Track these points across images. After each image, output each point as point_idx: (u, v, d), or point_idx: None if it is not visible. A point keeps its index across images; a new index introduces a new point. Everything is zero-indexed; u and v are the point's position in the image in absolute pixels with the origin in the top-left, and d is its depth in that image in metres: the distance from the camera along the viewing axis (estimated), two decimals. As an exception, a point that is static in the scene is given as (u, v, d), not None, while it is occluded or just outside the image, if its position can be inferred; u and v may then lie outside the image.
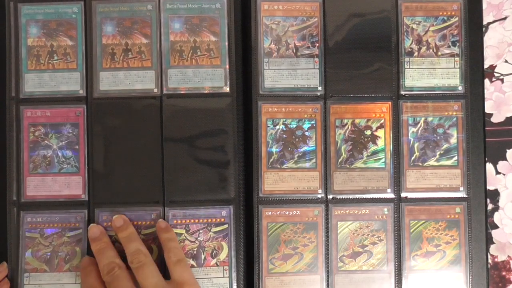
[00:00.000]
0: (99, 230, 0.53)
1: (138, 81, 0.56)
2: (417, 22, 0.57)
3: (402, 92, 0.56)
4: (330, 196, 0.56)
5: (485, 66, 0.59)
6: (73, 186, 0.55)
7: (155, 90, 0.56)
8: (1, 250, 0.55)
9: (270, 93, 0.56)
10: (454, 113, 0.56)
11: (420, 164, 0.56)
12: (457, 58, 0.57)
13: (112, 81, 0.56)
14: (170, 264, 0.51)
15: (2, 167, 0.55)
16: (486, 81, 0.60)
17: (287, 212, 0.56)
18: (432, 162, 0.56)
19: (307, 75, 0.56)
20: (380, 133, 0.56)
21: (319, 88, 0.56)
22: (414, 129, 0.56)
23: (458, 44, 0.57)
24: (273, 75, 0.56)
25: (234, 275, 0.55)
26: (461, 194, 0.56)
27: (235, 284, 0.55)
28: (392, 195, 0.56)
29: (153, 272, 0.49)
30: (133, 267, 0.49)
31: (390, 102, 0.56)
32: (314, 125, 0.56)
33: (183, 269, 0.50)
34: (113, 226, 0.53)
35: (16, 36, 0.56)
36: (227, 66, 0.56)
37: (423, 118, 0.56)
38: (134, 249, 0.50)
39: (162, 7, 0.56)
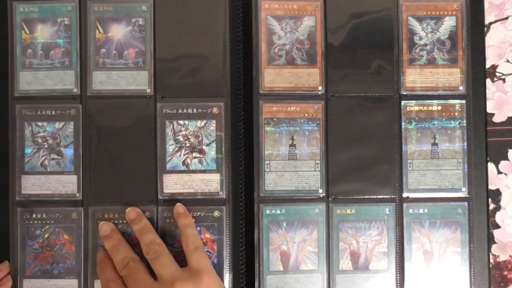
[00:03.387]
0: (110, 227, 0.53)
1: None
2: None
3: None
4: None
5: (487, 66, 0.59)
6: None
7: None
8: (3, 248, 0.55)
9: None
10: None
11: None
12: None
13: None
14: (188, 251, 0.51)
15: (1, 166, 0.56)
16: (488, 81, 0.60)
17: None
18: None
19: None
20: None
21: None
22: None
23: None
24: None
25: (228, 275, 0.55)
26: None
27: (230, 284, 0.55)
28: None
29: (169, 261, 0.49)
30: (148, 258, 0.50)
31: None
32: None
33: (201, 256, 0.51)
34: (126, 218, 0.54)
35: (11, 35, 0.56)
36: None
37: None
38: (149, 240, 0.51)
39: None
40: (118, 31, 0.56)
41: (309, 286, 0.55)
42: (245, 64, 0.57)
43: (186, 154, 0.56)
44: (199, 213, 0.55)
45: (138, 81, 0.56)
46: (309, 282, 0.55)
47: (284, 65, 0.56)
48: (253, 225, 0.55)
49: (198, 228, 0.55)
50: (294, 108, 0.56)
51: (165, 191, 0.55)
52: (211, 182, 0.56)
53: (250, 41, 0.56)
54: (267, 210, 0.55)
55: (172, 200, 0.55)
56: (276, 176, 0.56)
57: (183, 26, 0.56)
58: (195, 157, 0.56)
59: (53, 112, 0.56)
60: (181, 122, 0.56)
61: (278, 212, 0.55)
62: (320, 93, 0.56)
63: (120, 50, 0.56)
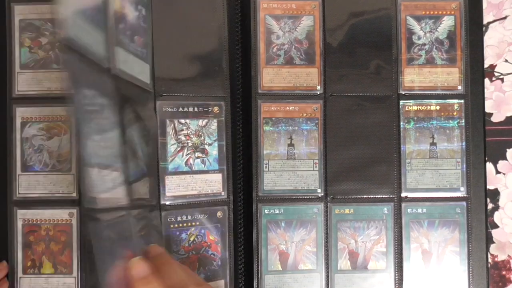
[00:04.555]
0: (145, 269, 0.41)
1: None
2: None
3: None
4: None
5: (485, 66, 0.59)
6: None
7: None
8: (1, 248, 0.55)
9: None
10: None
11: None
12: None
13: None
14: None
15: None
16: (486, 80, 0.60)
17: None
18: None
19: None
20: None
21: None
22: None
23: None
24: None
25: (228, 275, 0.55)
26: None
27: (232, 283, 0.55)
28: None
29: None
30: None
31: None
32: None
33: None
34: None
35: (10, 36, 0.56)
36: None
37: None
38: None
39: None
40: (131, 11, 0.54)
41: (308, 285, 0.55)
42: (244, 63, 0.57)
43: (188, 154, 0.55)
44: (203, 215, 0.55)
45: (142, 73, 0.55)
46: (307, 281, 0.55)
47: (283, 64, 0.56)
48: (252, 224, 0.55)
49: (203, 231, 0.55)
50: (293, 107, 0.56)
51: (167, 194, 0.54)
52: (213, 183, 0.55)
53: (249, 41, 0.56)
54: (265, 210, 0.55)
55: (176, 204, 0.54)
56: (274, 175, 0.56)
57: (181, 25, 0.56)
58: (198, 157, 0.55)
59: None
60: (182, 121, 0.55)
61: (277, 211, 0.55)
62: (318, 93, 0.56)
63: (131, 34, 0.55)
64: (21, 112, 0.55)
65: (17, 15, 0.56)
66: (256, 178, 0.55)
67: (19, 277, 0.55)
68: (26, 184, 0.55)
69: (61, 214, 0.55)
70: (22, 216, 0.55)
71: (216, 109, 0.56)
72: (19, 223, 0.55)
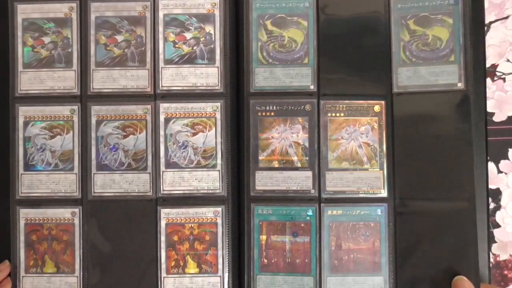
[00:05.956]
0: None
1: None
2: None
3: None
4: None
5: (487, 65, 0.59)
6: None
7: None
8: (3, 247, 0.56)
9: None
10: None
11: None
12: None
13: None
14: None
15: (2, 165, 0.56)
16: (488, 80, 0.60)
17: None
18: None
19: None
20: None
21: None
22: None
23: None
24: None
25: (226, 275, 0.55)
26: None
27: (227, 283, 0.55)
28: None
29: None
30: None
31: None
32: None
33: None
34: None
35: (12, 35, 0.57)
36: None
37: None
38: None
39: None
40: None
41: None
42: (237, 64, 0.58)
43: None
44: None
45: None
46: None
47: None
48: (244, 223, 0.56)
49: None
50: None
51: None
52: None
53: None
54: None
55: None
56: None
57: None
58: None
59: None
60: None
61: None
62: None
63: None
64: (23, 111, 0.56)
65: (20, 14, 0.56)
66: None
67: (22, 276, 0.55)
68: (29, 183, 0.55)
69: (64, 213, 0.55)
70: (25, 215, 0.55)
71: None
72: (22, 223, 0.55)
